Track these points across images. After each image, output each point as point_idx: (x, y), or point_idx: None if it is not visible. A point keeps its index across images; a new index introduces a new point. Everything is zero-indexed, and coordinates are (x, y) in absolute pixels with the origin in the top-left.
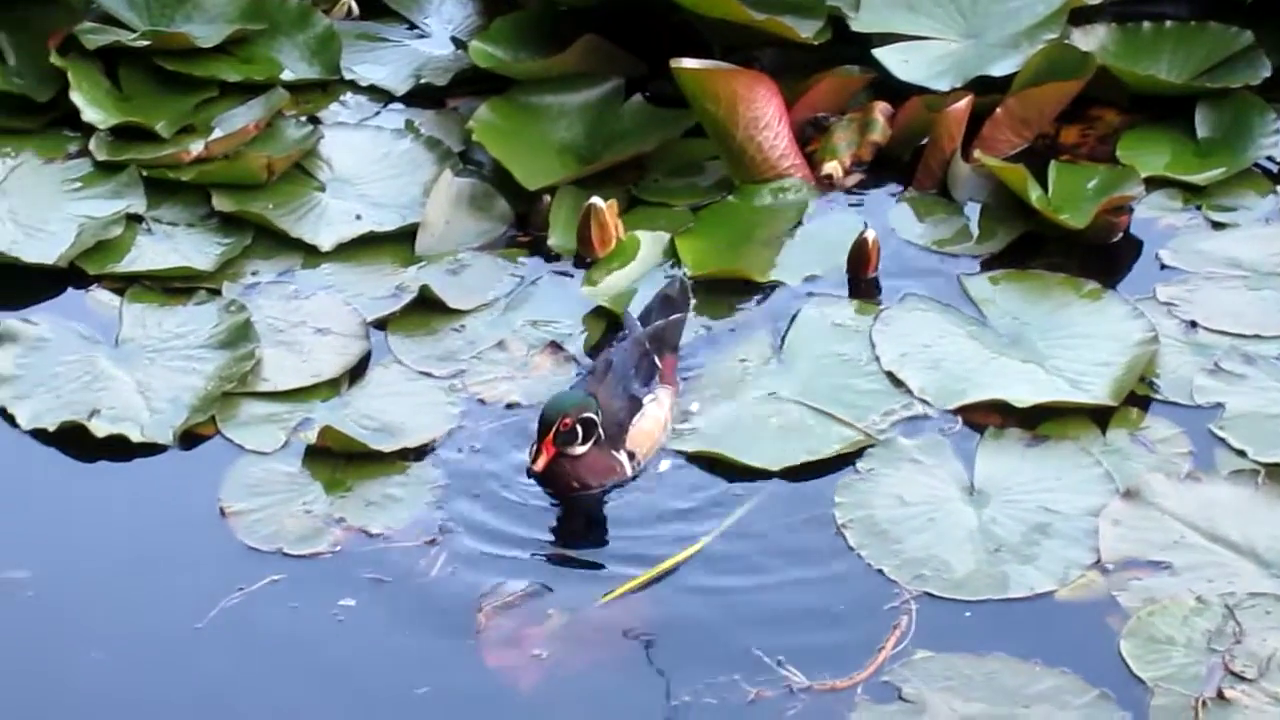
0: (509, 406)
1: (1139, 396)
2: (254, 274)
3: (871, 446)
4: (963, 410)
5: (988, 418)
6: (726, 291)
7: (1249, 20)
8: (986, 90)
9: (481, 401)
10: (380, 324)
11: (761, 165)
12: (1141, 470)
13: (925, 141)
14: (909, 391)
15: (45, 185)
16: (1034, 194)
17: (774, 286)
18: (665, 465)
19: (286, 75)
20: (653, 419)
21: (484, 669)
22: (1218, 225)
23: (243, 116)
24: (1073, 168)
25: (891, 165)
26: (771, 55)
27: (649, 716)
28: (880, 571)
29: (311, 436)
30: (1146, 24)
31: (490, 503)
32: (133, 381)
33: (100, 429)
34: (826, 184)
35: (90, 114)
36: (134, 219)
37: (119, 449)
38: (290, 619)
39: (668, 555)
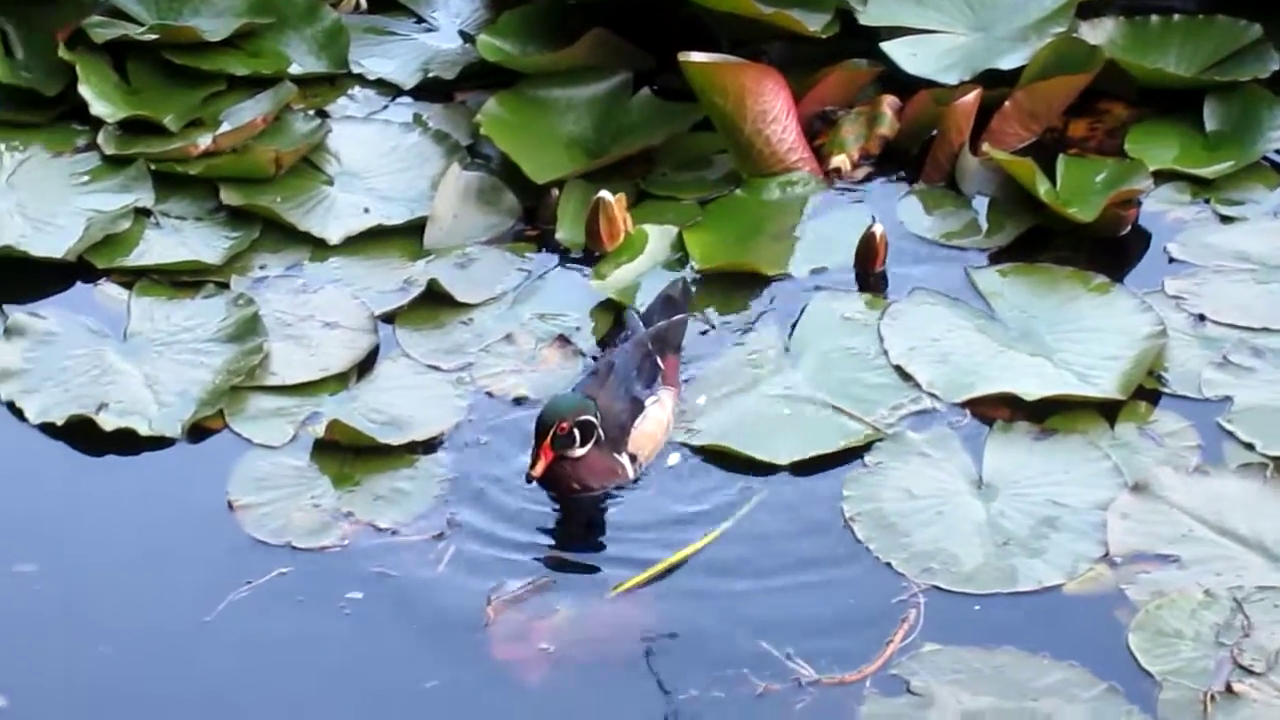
0: (517, 400)
1: (1147, 390)
2: (262, 268)
3: (880, 440)
4: (971, 404)
5: (996, 411)
6: (734, 285)
7: (1257, 14)
8: (995, 84)
9: (489, 395)
10: (388, 317)
11: (769, 159)
12: (1150, 464)
13: (933, 135)
14: (917, 385)
15: (53, 179)
16: (1042, 187)
17: (782, 280)
18: (674, 459)
19: (294, 69)
20: (655, 421)
21: (492, 663)
22: (1226, 219)
23: (251, 110)
24: (1081, 161)
25: (899, 159)
26: (779, 49)
27: (657, 710)
28: (888, 565)
29: (320, 430)
30: (1155, 17)
31: (498, 497)
32: (141, 375)
33: (108, 423)
34: (834, 177)
35: (98, 107)
36: (142, 213)
37: (127, 443)
38: (298, 613)
39: (676, 549)
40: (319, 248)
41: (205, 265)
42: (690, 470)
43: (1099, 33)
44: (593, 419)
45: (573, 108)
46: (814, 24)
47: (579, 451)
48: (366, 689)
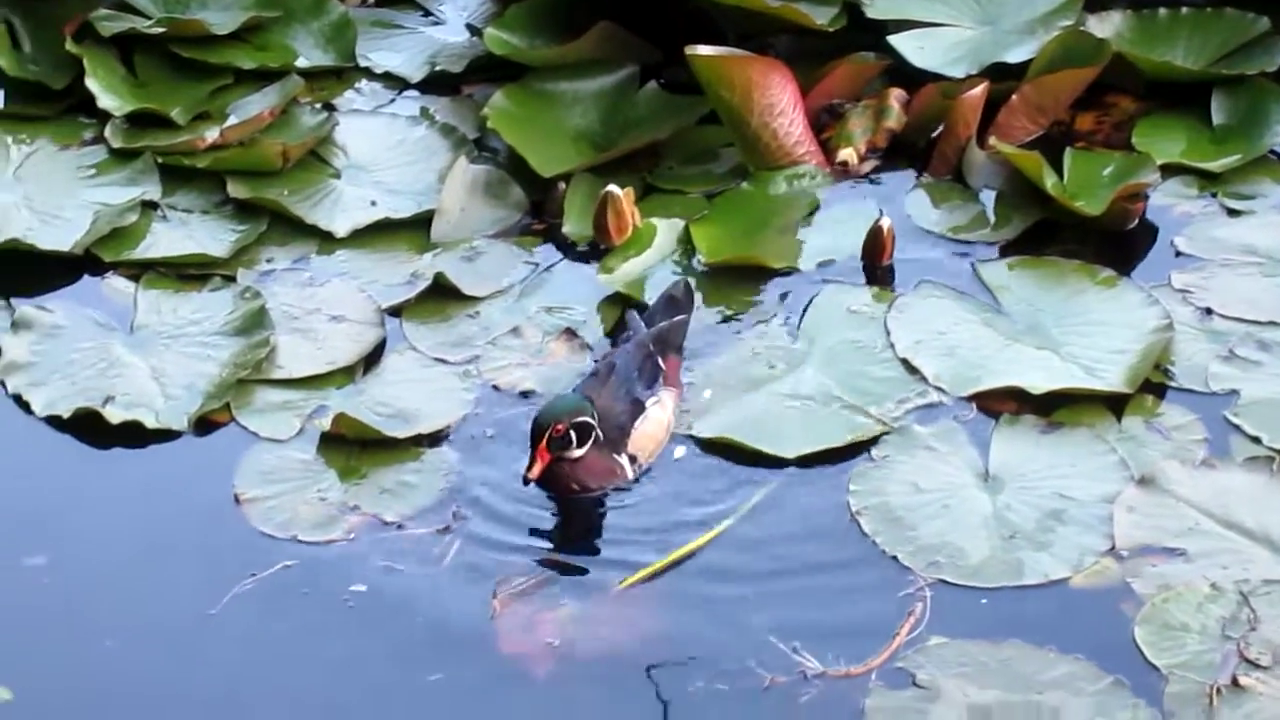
0: (524, 393)
1: (1154, 384)
2: (269, 261)
3: (886, 433)
4: (977, 397)
5: (1003, 405)
6: (741, 279)
7: (1265, 6)
8: (1002, 77)
9: (496, 388)
10: (395, 311)
11: (776, 152)
12: (1156, 457)
13: (940, 128)
14: (924, 378)
15: (60, 172)
16: (1049, 181)
17: (789, 273)
18: (680, 452)
19: (301, 62)
20: (655, 422)
21: (498, 656)
22: (1233, 212)
23: (258, 104)
24: (1088, 155)
25: (907, 152)
26: (786, 42)
27: (663, 703)
28: (895, 558)
29: (326, 423)
30: (1162, 10)
31: (504, 489)
32: (147, 368)
33: (115, 415)
34: (841, 171)
35: (105, 101)
36: (149, 206)
37: (134, 436)
38: (303, 606)
39: (682, 542)
40: (326, 241)
41: (212, 258)
42: (697, 464)
43: (1106, 26)
44: (589, 420)
45: (579, 101)
46: (821, 17)
47: (577, 452)
48: (371, 682)
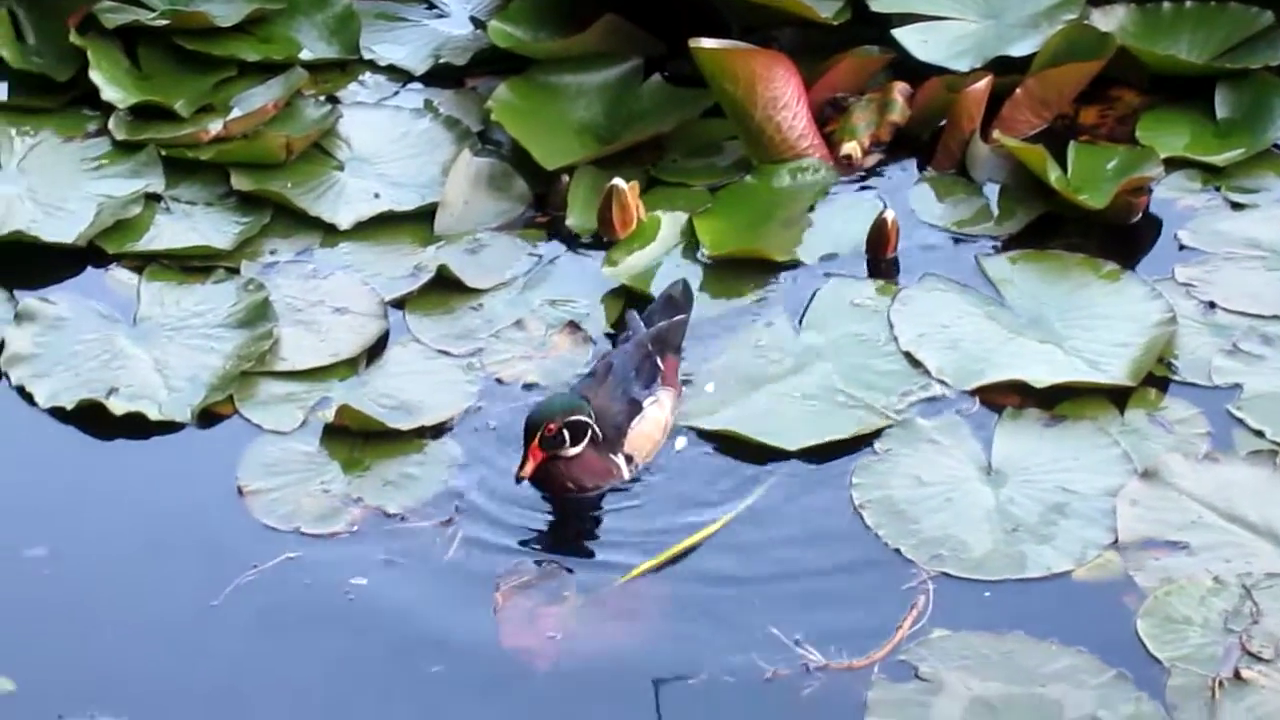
0: (527, 386)
1: (1157, 377)
2: (272, 253)
3: (889, 427)
4: (981, 390)
5: (1006, 398)
6: (745, 272)
7: (1269, 1)
8: (1006, 71)
9: (499, 381)
10: (398, 303)
11: (780, 145)
12: (1159, 450)
13: (944, 122)
14: (927, 372)
15: (64, 164)
16: (1053, 174)
17: (792, 266)
18: (681, 443)
19: (305, 55)
20: (652, 422)
21: (500, 649)
22: (1237, 206)
23: (262, 96)
24: (1092, 148)
25: (910, 146)
26: (790, 35)
27: (666, 697)
28: (898, 551)
29: (329, 415)
30: (1166, 4)
31: (507, 483)
32: (151, 360)
33: (118, 407)
34: (845, 164)
35: (109, 93)
36: (153, 198)
37: (137, 427)
38: (306, 598)
39: (685, 536)
40: (329, 233)
41: (215, 250)
42: (699, 457)
43: (1110, 20)
44: (584, 419)
45: (583, 94)
46: (825, 10)
47: (572, 451)
48: (372, 675)
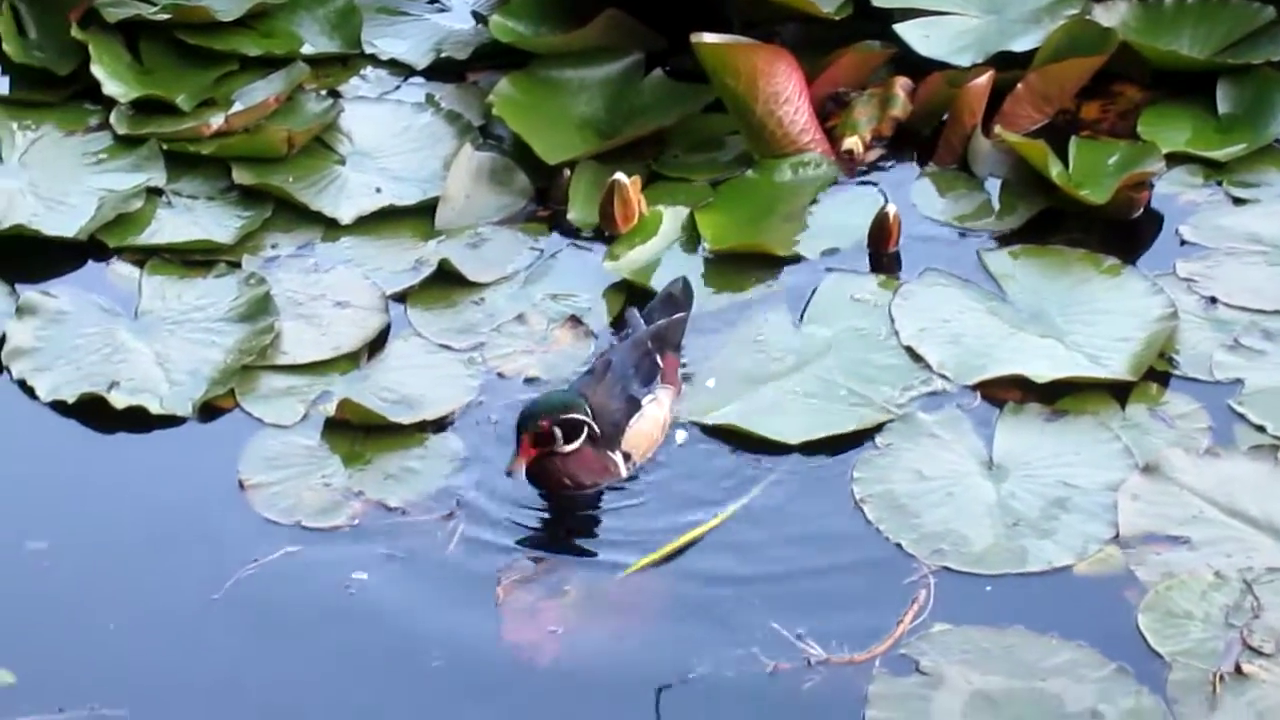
0: (528, 380)
1: (1158, 372)
2: (273, 247)
3: (890, 421)
4: (982, 385)
5: (1007, 393)
6: (746, 266)
7: None
8: (1008, 66)
9: (501, 375)
10: (400, 297)
11: (782, 140)
12: (1160, 445)
13: (946, 117)
14: (928, 366)
15: (66, 158)
16: (1054, 170)
17: (794, 261)
18: (681, 437)
19: (307, 49)
20: (651, 420)
21: (501, 643)
22: (1238, 201)
23: (263, 90)
24: (1093, 144)
25: (912, 141)
26: (792, 30)
27: (667, 691)
28: (899, 546)
29: (330, 409)
30: None
31: (508, 477)
32: (152, 354)
33: (119, 401)
34: (847, 159)
35: (111, 87)
36: (154, 192)
37: (138, 421)
38: (307, 592)
39: (685, 529)
40: (331, 227)
41: (217, 244)
42: (700, 451)
43: (1112, 15)
44: (579, 417)
45: (585, 88)
46: (827, 5)
47: (567, 448)
48: (373, 669)
